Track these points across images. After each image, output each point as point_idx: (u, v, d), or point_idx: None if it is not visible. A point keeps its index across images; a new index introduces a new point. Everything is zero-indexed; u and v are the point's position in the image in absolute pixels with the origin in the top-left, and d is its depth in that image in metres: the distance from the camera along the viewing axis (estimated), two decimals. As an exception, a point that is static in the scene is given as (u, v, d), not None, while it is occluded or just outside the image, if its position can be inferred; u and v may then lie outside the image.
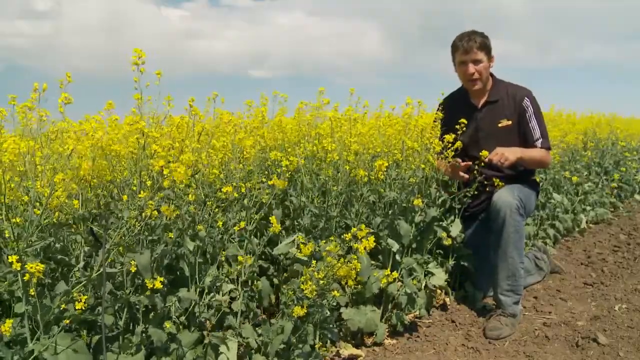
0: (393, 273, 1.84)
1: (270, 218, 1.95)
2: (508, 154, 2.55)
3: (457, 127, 2.57)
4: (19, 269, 1.34)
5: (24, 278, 1.37)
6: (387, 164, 2.31)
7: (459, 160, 2.67)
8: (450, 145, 2.55)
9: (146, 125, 1.71)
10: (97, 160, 1.73)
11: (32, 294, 1.43)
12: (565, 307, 2.85)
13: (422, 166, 2.54)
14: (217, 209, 1.98)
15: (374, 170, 2.28)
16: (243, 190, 1.99)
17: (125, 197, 1.58)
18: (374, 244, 1.72)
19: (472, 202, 2.80)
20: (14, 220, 1.45)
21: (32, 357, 1.43)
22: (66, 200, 1.66)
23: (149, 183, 1.57)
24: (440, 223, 2.71)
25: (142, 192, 1.51)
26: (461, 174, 2.70)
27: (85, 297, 1.49)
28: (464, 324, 2.63)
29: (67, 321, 1.50)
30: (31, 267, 1.35)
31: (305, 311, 1.77)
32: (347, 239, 1.76)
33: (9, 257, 1.35)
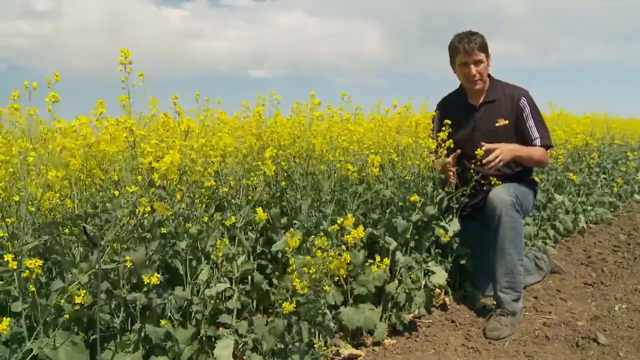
0: (385, 260, 1.83)
1: (257, 209, 1.93)
2: (503, 155, 2.56)
3: (444, 127, 2.60)
4: (15, 267, 1.33)
5: (24, 275, 1.37)
6: (379, 159, 2.31)
7: (450, 161, 2.68)
8: (443, 143, 2.57)
9: (144, 125, 1.72)
10: (88, 159, 1.73)
11: (32, 290, 1.42)
12: (565, 307, 2.84)
13: (417, 162, 2.55)
14: (206, 207, 1.98)
15: (368, 167, 2.28)
16: (232, 184, 1.99)
17: (116, 193, 1.57)
18: (370, 241, 1.70)
19: (469, 201, 2.80)
20: (8, 220, 1.44)
21: (30, 355, 1.42)
22: (59, 202, 1.66)
23: (139, 178, 1.56)
24: (439, 222, 2.71)
25: (133, 187, 1.50)
26: (449, 173, 2.71)
27: (84, 291, 1.49)
28: (464, 324, 2.62)
29: (67, 316, 1.49)
30: (30, 263, 1.35)
31: (294, 307, 1.74)
32: (334, 230, 1.72)
33: (5, 256, 1.34)
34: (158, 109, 1.94)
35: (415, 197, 2.47)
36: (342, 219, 1.68)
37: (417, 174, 2.63)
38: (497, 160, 2.54)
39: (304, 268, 1.70)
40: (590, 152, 5.30)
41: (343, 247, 1.69)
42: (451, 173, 2.71)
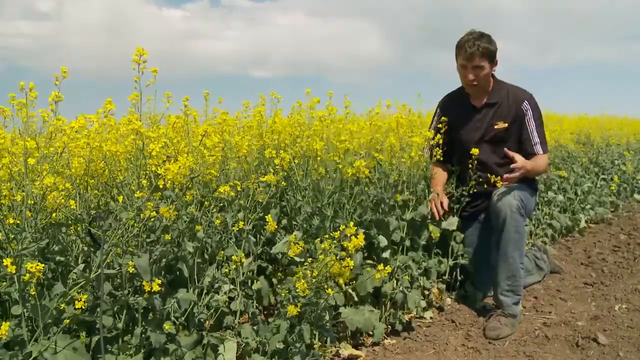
0: (387, 267, 1.83)
1: (266, 217, 1.94)
2: (523, 170, 2.59)
3: (440, 125, 2.65)
4: (14, 271, 1.32)
5: (24, 278, 1.36)
6: (365, 163, 2.32)
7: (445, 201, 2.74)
8: (432, 140, 2.61)
9: (143, 125, 1.71)
10: (92, 160, 1.72)
11: (33, 293, 1.42)
12: (565, 307, 2.84)
13: (404, 161, 2.58)
14: (214, 209, 1.98)
15: (358, 169, 2.29)
16: (239, 188, 1.99)
17: (120, 198, 1.57)
18: (367, 242, 1.70)
19: (471, 201, 2.79)
20: (8, 221, 1.44)
21: (30, 358, 1.42)
22: (63, 201, 1.66)
23: (144, 182, 1.56)
24: (436, 220, 2.71)
25: (138, 192, 1.50)
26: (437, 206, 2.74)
27: (85, 296, 1.48)
28: (464, 324, 2.62)
29: (67, 321, 1.49)
30: (31, 267, 1.34)
31: (299, 310, 1.75)
32: (335, 237, 1.73)
33: (4, 260, 1.33)
34: (172, 103, 1.93)
35: (399, 197, 2.48)
36: (344, 226, 1.69)
37: (408, 173, 2.62)
38: (517, 173, 2.57)
39: (307, 271, 1.71)
40: (586, 151, 5.31)
41: (343, 253, 1.69)
42: (436, 210, 2.73)
